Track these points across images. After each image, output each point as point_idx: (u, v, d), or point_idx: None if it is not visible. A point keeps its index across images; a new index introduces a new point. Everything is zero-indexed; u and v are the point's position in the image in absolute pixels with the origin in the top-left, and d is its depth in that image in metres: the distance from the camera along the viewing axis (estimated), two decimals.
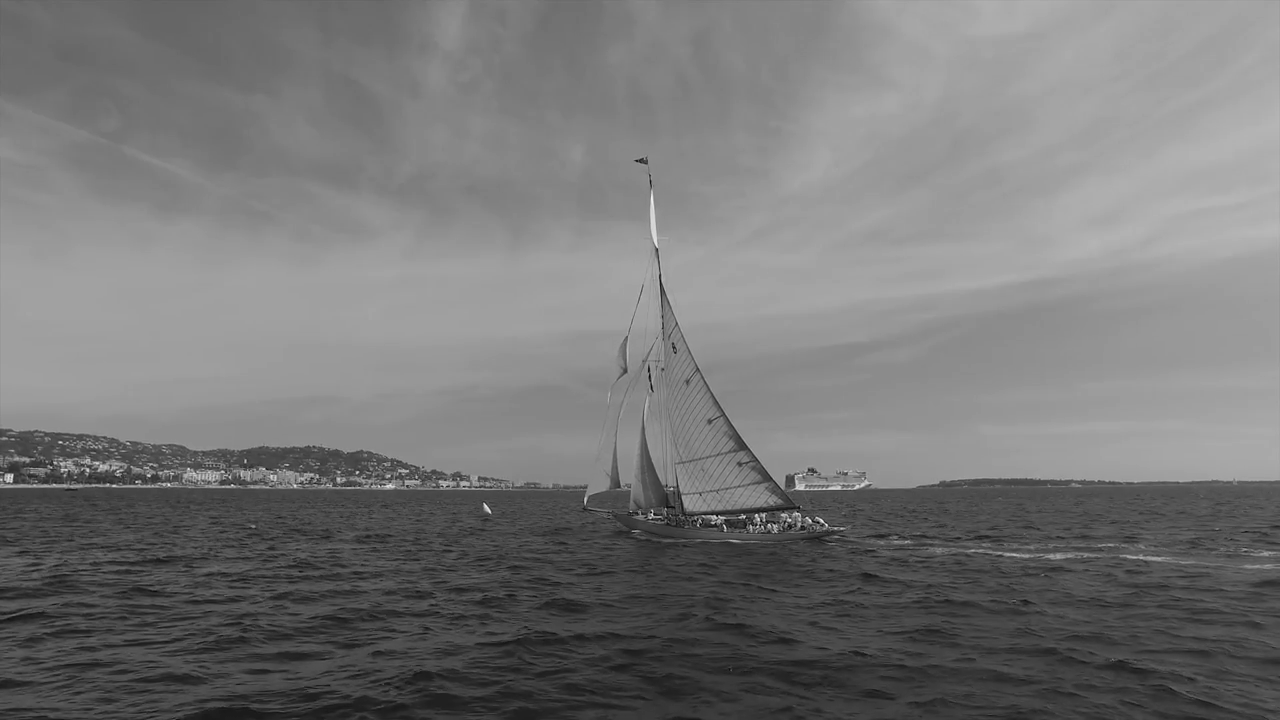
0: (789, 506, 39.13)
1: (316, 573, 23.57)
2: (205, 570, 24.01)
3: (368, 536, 40.54)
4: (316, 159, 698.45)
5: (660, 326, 43.55)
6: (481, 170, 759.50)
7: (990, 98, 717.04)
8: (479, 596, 18.80)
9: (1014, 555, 29.63)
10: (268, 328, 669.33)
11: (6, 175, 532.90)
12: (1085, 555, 29.37)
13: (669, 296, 43.58)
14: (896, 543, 36.35)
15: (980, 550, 31.98)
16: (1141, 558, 28.18)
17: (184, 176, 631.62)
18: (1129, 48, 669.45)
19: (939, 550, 31.90)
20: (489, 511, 50.33)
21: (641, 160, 45.17)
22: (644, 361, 44.22)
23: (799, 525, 38.42)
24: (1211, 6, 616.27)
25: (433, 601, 18.09)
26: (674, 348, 42.43)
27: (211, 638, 13.66)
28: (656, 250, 44.19)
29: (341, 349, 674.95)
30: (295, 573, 23.56)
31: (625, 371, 44.41)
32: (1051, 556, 28.90)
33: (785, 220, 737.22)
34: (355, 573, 23.69)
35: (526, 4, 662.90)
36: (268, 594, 19.05)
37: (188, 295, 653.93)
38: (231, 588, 20.22)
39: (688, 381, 41.34)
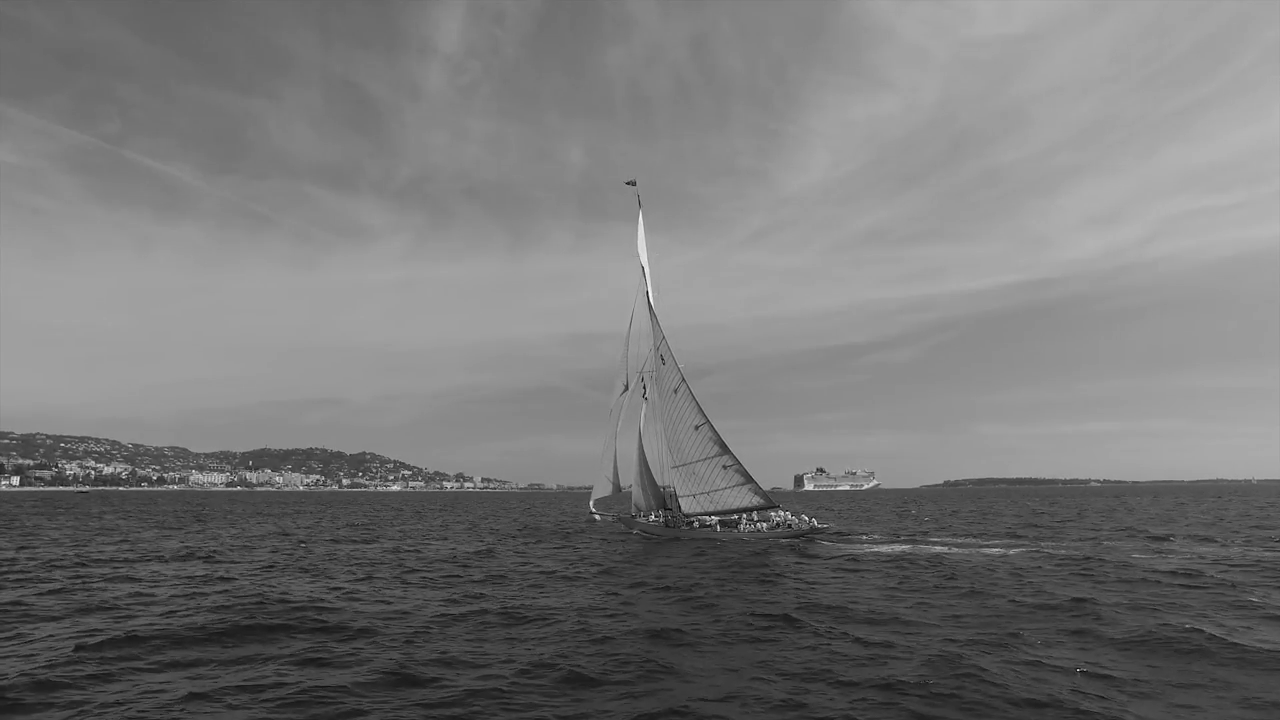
0: (770, 506, 41.62)
1: None
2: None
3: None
4: (316, 162, 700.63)
5: (651, 339, 45.90)
6: (481, 172, 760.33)
7: (988, 99, 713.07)
8: None
9: None
10: (268, 330, 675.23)
11: (7, 179, 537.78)
12: None
13: (656, 311, 46.12)
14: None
15: None
16: None
17: (184, 179, 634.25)
18: (1126, 48, 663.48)
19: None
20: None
21: (630, 182, 47.25)
22: (639, 372, 46.49)
23: (789, 524, 40.69)
24: (1209, 7, 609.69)
25: None
26: (662, 359, 44.77)
27: None
28: (644, 269, 46.38)
29: (342, 351, 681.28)
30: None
31: (627, 389, 46.59)
32: None
33: (784, 221, 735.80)
34: None
35: (525, 6, 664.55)
36: None
37: (188, 298, 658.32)
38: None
39: (675, 390, 43.74)
